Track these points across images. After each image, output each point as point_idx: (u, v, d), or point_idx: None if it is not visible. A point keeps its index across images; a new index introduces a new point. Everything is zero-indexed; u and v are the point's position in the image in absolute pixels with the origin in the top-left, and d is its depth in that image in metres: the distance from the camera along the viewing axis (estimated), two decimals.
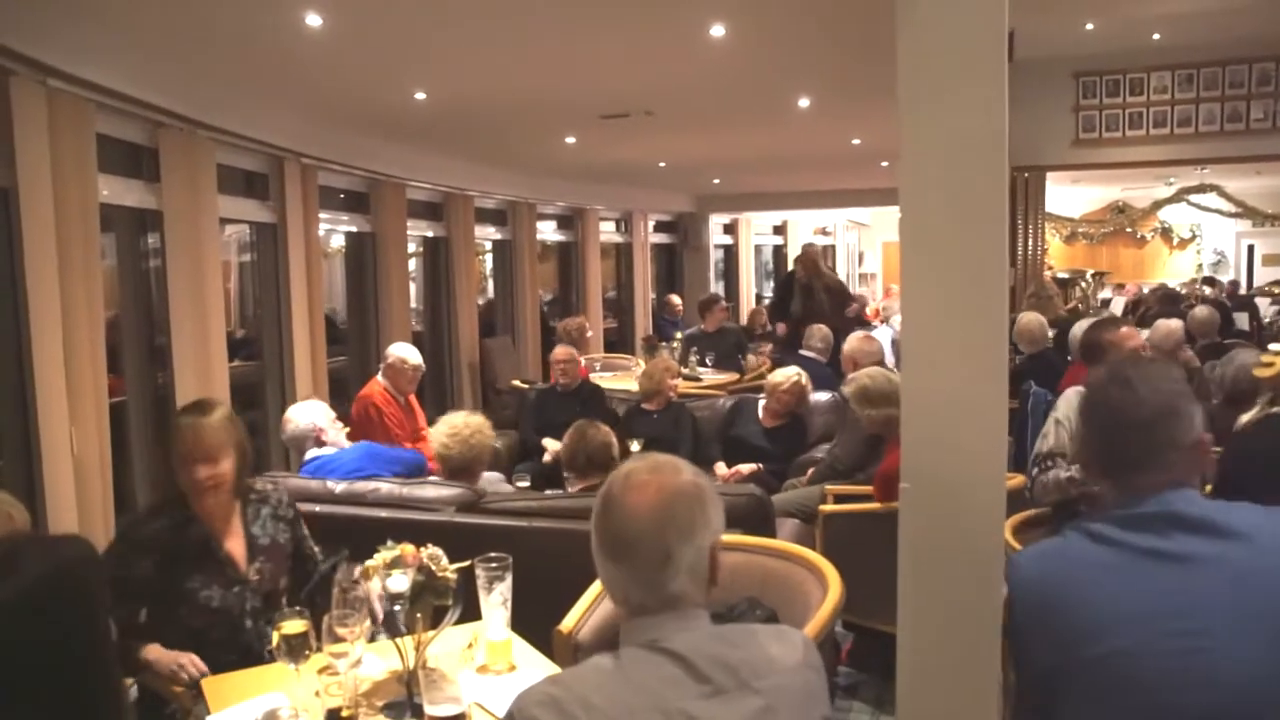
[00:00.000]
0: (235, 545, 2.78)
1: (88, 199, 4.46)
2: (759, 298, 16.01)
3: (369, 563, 2.20)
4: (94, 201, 4.52)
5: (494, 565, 2.38)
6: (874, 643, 4.30)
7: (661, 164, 10.79)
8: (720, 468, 5.63)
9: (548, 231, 11.94)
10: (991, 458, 2.12)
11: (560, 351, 6.87)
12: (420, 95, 6.39)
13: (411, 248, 9.38)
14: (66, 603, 1.39)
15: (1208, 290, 12.50)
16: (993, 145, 2.06)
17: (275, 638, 2.14)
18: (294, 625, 2.14)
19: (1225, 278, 14.80)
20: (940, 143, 2.14)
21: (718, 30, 5.02)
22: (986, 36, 2.08)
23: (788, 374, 5.87)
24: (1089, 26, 8.24)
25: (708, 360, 8.61)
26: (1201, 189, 11.46)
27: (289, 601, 2.78)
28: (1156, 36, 8.71)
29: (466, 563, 2.32)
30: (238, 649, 2.65)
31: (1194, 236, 16.04)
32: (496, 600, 2.39)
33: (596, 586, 2.68)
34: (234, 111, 5.92)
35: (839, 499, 4.55)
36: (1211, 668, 1.53)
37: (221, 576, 2.70)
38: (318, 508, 3.69)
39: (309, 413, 4.62)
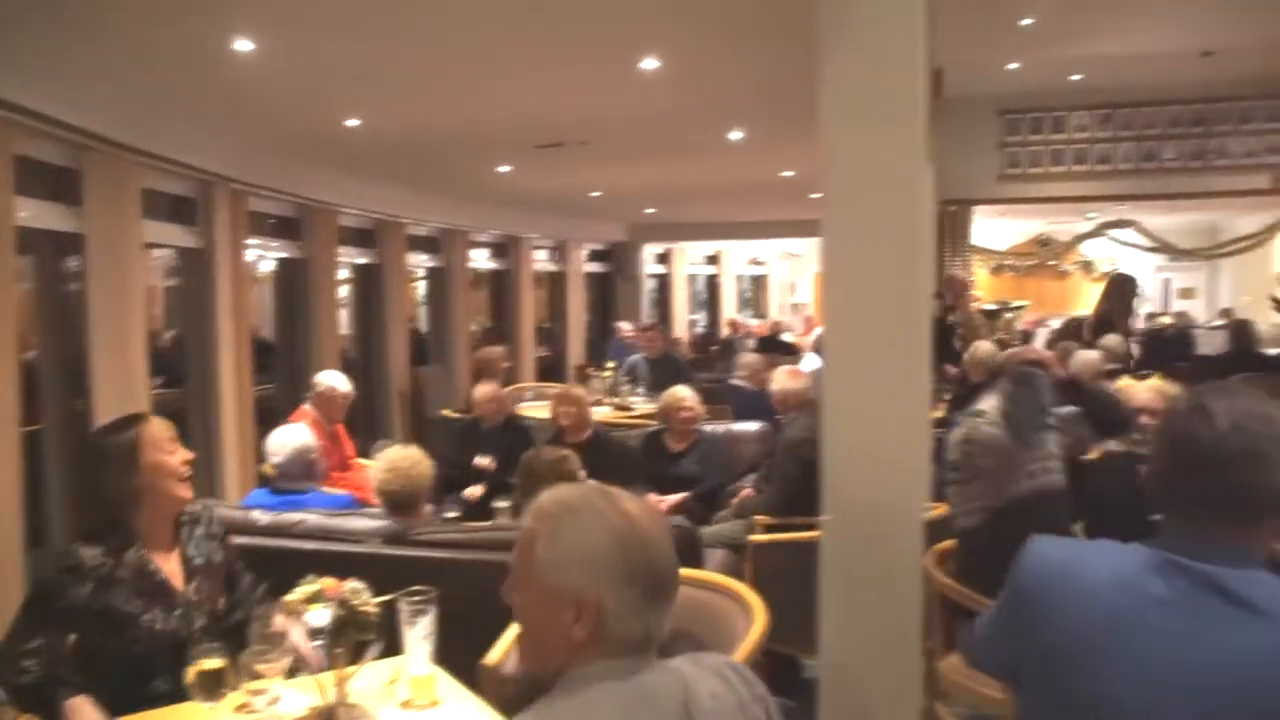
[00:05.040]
0: (172, 567, 2.69)
1: (3, 222, 4.35)
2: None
3: (288, 598, 2.16)
4: (9, 224, 4.41)
5: (417, 599, 2.35)
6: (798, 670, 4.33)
7: (595, 193, 10.84)
8: (652, 498, 5.47)
9: (481, 259, 11.91)
10: (911, 489, 2.15)
11: (482, 390, 6.67)
12: (353, 122, 6.36)
13: (343, 274, 9.31)
14: None
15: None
16: (910, 179, 2.11)
17: (190, 674, 2.09)
18: (209, 662, 2.09)
19: (1144, 310, 15.23)
20: (861, 178, 2.19)
21: (650, 64, 5.07)
22: (904, 75, 2.13)
23: (679, 395, 5.73)
24: (1012, 66, 8.46)
25: (640, 390, 8.60)
26: (1120, 224, 11.78)
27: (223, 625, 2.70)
28: (1076, 77, 8.98)
29: (389, 596, 2.29)
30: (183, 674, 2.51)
31: (1113, 270, 16.48)
32: (420, 634, 2.36)
33: None
34: (162, 135, 5.83)
35: (769, 529, 4.58)
36: None
37: (163, 599, 2.62)
38: (242, 539, 3.61)
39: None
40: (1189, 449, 1.53)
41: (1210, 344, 10.72)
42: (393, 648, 2.34)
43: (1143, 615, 1.50)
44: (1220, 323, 12.00)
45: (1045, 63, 8.33)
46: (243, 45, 4.53)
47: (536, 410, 7.39)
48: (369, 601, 2.21)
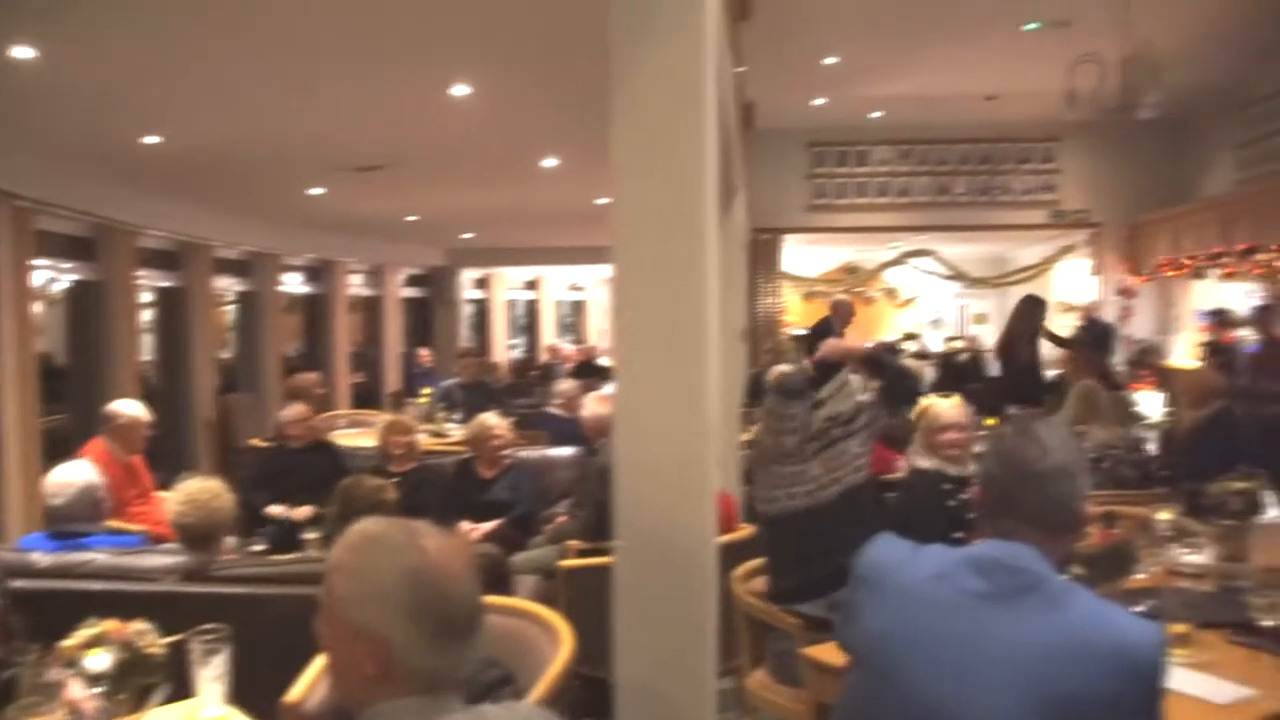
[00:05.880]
0: None
1: None
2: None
3: (64, 643, 2.05)
4: None
5: (209, 637, 2.27)
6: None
7: (412, 217, 10.71)
8: (465, 526, 5.42)
9: (294, 283, 11.57)
10: (701, 513, 2.22)
11: (291, 411, 6.46)
12: (152, 139, 6.09)
13: (146, 298, 8.87)
14: None
15: (913, 345, 13.76)
16: (696, 212, 2.20)
17: None
18: None
19: (943, 333, 16.13)
20: (648, 211, 2.28)
21: (461, 90, 5.07)
22: (690, 109, 2.23)
23: (488, 423, 5.71)
24: (819, 101, 8.88)
25: (455, 416, 8.50)
26: (919, 253, 12.44)
27: None
28: (877, 114, 9.51)
29: (178, 636, 2.20)
30: None
31: (914, 297, 17.37)
32: (212, 674, 2.27)
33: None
34: None
35: (583, 554, 4.61)
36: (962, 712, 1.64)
37: None
38: (20, 584, 3.38)
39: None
40: (1018, 466, 1.77)
41: (998, 367, 11.47)
42: (185, 690, 2.25)
43: (955, 605, 1.70)
44: None
45: (849, 99, 8.79)
46: (22, 52, 4.27)
47: (351, 438, 7.22)
48: (155, 642, 2.13)
